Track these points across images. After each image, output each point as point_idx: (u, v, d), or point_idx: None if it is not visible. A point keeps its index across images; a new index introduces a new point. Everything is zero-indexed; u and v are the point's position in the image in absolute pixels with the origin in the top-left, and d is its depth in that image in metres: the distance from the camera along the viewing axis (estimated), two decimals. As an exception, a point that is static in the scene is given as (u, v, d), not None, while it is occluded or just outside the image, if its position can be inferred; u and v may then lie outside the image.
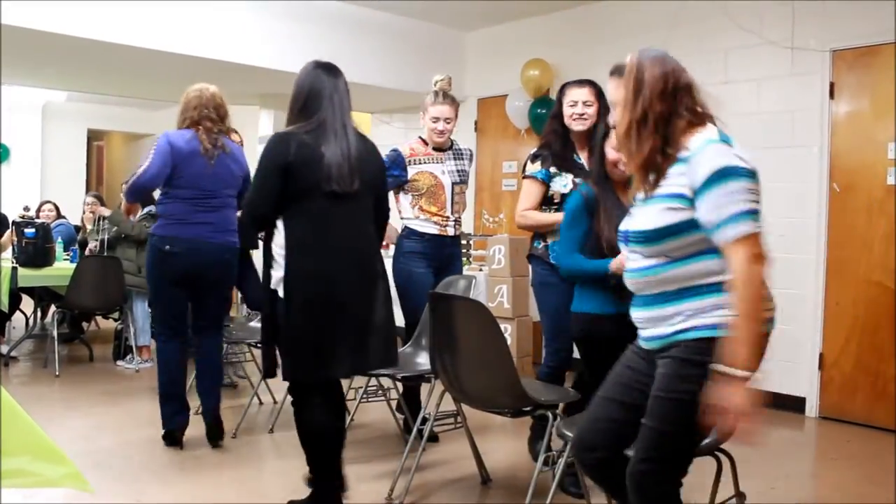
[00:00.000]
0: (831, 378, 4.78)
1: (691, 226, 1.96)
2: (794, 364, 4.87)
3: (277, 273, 2.96)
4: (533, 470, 3.11)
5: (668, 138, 2.02)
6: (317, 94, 2.93)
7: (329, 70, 2.99)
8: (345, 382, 3.98)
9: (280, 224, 2.93)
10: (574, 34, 6.18)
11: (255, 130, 7.30)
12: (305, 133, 2.88)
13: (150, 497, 3.28)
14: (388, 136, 7.88)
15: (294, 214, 2.90)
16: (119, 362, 5.96)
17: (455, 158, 4.13)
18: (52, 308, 6.15)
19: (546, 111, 6.20)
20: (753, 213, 1.89)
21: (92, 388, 5.16)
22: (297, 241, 2.89)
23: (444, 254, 4.06)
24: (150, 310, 4.80)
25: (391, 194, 4.10)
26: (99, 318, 7.33)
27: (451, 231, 4.07)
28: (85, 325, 7.06)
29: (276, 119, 7.04)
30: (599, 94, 3.54)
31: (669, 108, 2.02)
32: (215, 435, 3.91)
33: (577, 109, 3.51)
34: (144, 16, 5.24)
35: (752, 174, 1.93)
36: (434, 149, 4.07)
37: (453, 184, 4.06)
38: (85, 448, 3.85)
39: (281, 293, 2.94)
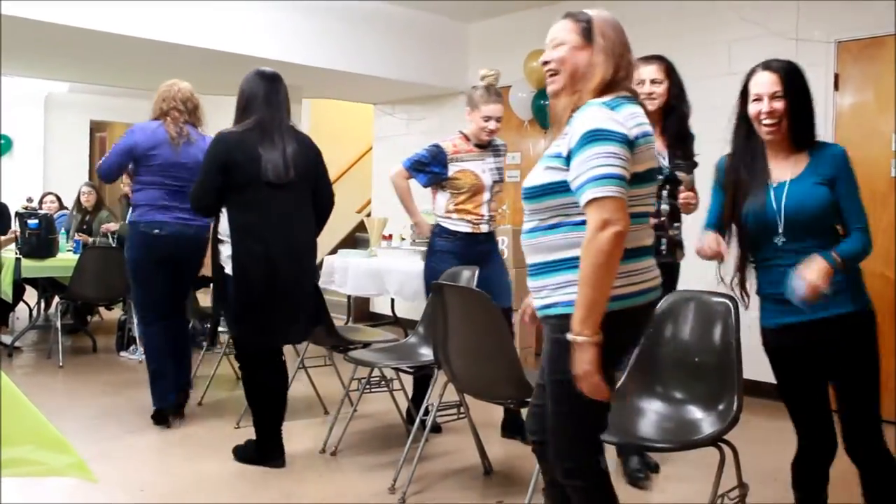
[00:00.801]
0: (834, 370, 4.77)
1: (565, 187, 1.94)
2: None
3: (225, 251, 3.42)
4: (534, 461, 3.12)
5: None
6: (254, 98, 3.40)
7: (268, 78, 3.46)
8: (347, 373, 4.01)
9: (224, 211, 3.39)
10: (577, 25, 6.15)
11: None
12: (245, 131, 3.34)
13: (154, 487, 3.30)
14: (390, 127, 7.88)
15: (236, 203, 3.36)
16: (122, 353, 5.97)
17: (494, 155, 3.98)
18: (56, 299, 6.16)
19: (548, 103, 6.19)
20: (611, 178, 1.84)
21: (95, 378, 5.17)
22: (240, 226, 3.35)
23: (476, 251, 3.93)
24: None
25: (429, 190, 4.06)
26: (102, 310, 7.34)
27: (484, 228, 3.94)
28: (89, 316, 7.08)
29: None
30: (670, 71, 3.31)
31: (622, 73, 2.04)
32: (180, 408, 4.19)
33: (644, 88, 3.24)
34: (148, 6, 5.23)
35: (624, 139, 1.89)
36: (476, 145, 3.94)
37: (493, 182, 3.95)
38: (88, 438, 3.86)
39: (228, 270, 3.41)
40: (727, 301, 2.57)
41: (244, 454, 3.60)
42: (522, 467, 3.58)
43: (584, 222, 1.90)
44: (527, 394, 2.87)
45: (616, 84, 2.02)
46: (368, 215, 7.92)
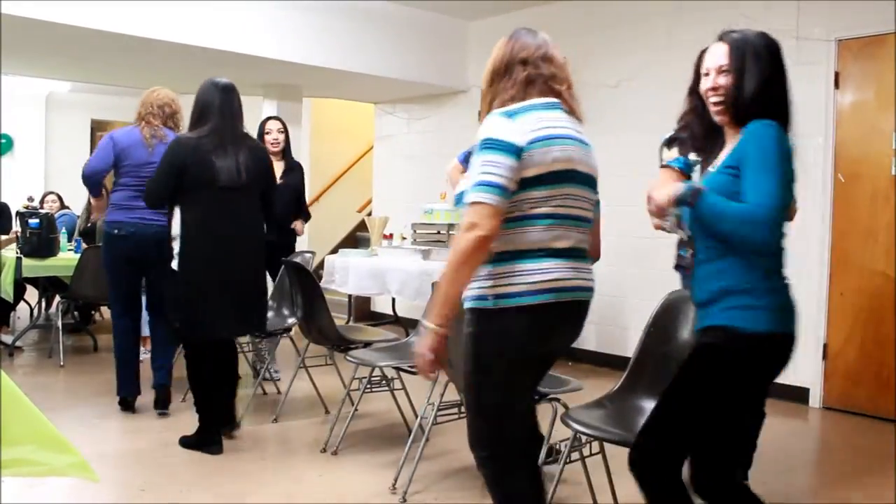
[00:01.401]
0: (835, 368, 4.78)
1: None
2: (797, 354, 4.86)
3: (175, 248, 3.62)
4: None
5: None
6: (209, 106, 3.62)
7: (223, 88, 3.67)
8: (348, 373, 4.01)
9: (177, 211, 3.59)
10: (577, 23, 6.15)
11: (258, 120, 7.29)
12: (201, 137, 3.57)
13: (155, 486, 3.30)
14: (391, 126, 7.88)
15: (189, 204, 3.57)
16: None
17: None
18: (57, 298, 6.16)
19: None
20: (488, 185, 1.96)
21: (96, 377, 5.17)
22: (192, 225, 3.56)
23: None
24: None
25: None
26: (104, 309, 7.34)
27: None
28: (94, 314, 7.08)
29: (278, 109, 7.02)
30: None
31: (499, 83, 2.16)
32: (163, 404, 4.30)
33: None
34: (149, 6, 5.23)
35: (509, 148, 1.99)
36: None
37: None
38: (90, 437, 3.86)
39: (173, 265, 3.62)
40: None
41: (187, 441, 3.75)
42: (523, 466, 3.57)
43: None
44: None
45: (528, 89, 2.12)
46: (369, 214, 7.92)
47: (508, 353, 2.07)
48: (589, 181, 2.16)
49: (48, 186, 9.31)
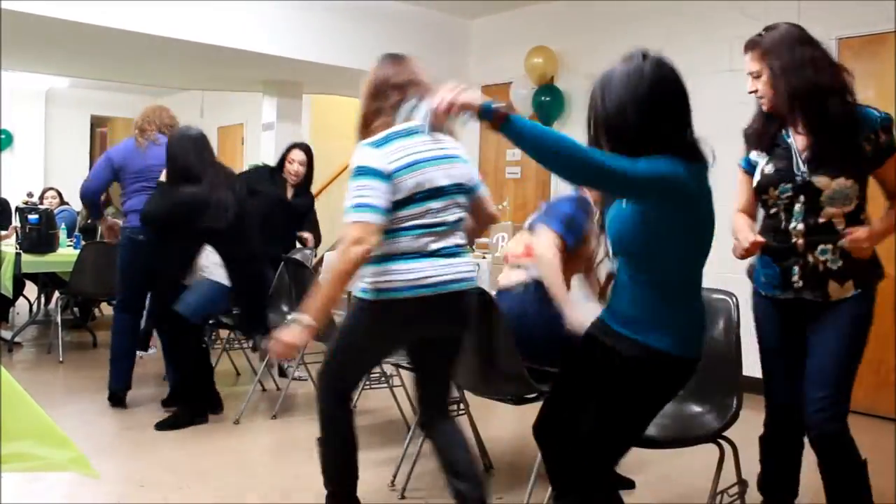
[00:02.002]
0: (834, 367, 4.77)
1: None
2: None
3: (207, 267, 4.00)
4: (535, 457, 3.12)
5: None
6: (187, 157, 3.92)
7: (195, 138, 4.00)
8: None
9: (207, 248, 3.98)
10: (578, 22, 6.16)
11: (258, 117, 7.30)
12: (196, 189, 3.87)
13: (155, 482, 3.30)
14: (391, 123, 7.86)
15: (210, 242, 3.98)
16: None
17: None
18: (56, 294, 6.16)
19: (550, 99, 6.19)
20: (365, 206, 2.26)
21: (96, 373, 5.16)
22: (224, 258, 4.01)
23: None
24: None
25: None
26: (104, 305, 7.34)
27: None
28: (95, 310, 7.08)
29: (278, 106, 7.03)
30: (767, 54, 2.64)
31: (371, 109, 2.47)
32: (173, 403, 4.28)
33: (748, 86, 2.63)
34: (148, 2, 5.23)
35: (377, 173, 2.28)
36: None
37: None
38: (89, 433, 3.87)
39: (215, 277, 4.00)
40: (727, 298, 2.57)
41: (173, 422, 3.96)
42: (523, 464, 3.58)
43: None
44: (526, 390, 2.88)
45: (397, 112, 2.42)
46: (369, 211, 7.90)
47: (378, 337, 2.46)
48: (456, 189, 2.43)
49: (48, 182, 9.32)
